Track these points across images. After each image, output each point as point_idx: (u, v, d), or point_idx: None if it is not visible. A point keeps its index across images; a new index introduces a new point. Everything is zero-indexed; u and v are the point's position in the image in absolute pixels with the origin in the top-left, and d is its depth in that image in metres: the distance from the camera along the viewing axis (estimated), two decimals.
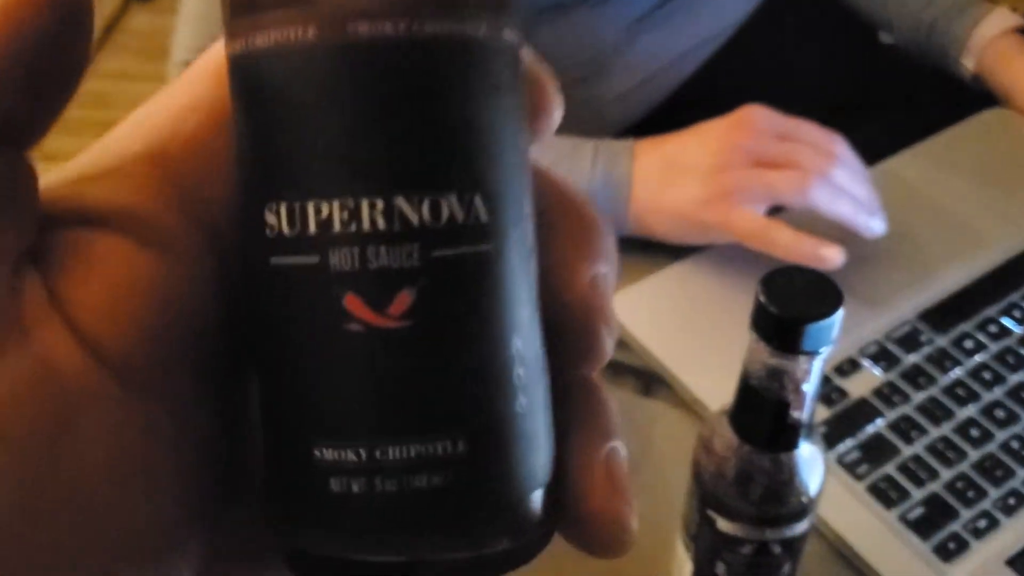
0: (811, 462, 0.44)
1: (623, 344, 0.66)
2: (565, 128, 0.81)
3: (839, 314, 0.38)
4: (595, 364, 0.20)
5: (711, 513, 0.45)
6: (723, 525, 0.45)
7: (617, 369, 0.69)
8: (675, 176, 0.68)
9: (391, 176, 0.17)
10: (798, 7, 0.91)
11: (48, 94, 0.17)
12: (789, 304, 0.39)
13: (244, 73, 0.18)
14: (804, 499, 0.44)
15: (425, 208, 0.17)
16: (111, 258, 0.17)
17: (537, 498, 0.19)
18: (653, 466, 0.60)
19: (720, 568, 0.47)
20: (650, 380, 0.65)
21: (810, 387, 0.41)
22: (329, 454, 0.18)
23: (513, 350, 0.18)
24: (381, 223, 0.17)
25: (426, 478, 0.18)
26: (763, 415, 0.42)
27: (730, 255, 0.68)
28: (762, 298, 0.39)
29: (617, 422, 0.20)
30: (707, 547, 0.47)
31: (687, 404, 0.62)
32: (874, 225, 0.66)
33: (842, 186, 0.66)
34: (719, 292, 0.67)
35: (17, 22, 0.16)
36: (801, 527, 0.45)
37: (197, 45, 0.72)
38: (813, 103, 0.83)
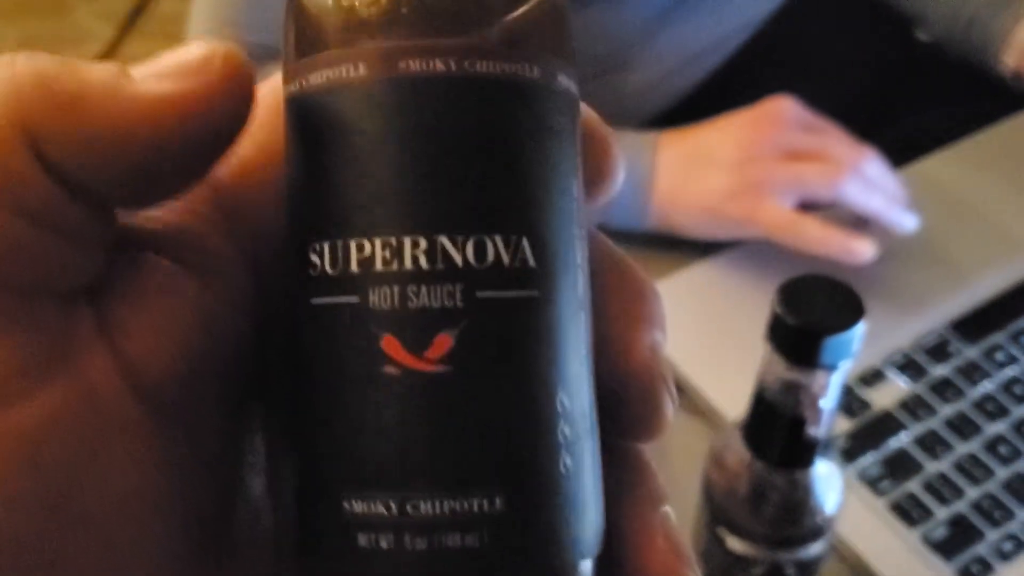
0: (828, 480, 0.41)
1: None
2: None
3: (860, 326, 0.36)
4: (657, 433, 0.20)
5: (721, 531, 0.43)
6: (734, 544, 0.43)
7: None
8: (700, 168, 0.66)
9: (435, 214, 0.17)
10: (829, 2, 0.88)
11: (194, 167, 0.18)
12: (807, 315, 0.36)
13: (296, 109, 0.18)
14: (820, 519, 0.42)
15: (469, 248, 0.17)
16: (161, 286, 0.18)
17: (586, 570, 0.18)
18: (665, 477, 0.57)
19: None
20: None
21: (828, 403, 0.38)
22: (358, 506, 0.17)
23: (559, 405, 0.17)
24: (423, 262, 0.17)
25: (459, 537, 0.16)
26: (778, 431, 0.40)
27: (755, 255, 0.66)
28: (778, 308, 0.36)
29: (664, 485, 0.20)
30: (716, 566, 0.45)
31: (704, 413, 0.59)
32: (907, 221, 0.64)
33: (874, 180, 0.63)
34: (741, 295, 0.64)
35: (185, 116, 0.16)
36: (816, 549, 0.43)
37: (210, 30, 0.71)
38: (843, 100, 0.80)
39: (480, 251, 0.17)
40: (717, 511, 0.43)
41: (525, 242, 0.17)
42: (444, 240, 0.17)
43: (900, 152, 0.75)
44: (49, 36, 2.11)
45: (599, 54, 0.81)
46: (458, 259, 0.17)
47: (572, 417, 0.17)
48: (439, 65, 0.17)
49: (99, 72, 0.16)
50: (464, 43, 0.17)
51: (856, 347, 0.37)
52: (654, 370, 0.19)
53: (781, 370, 0.38)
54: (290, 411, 0.18)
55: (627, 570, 0.19)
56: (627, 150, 0.67)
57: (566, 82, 0.19)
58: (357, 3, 0.17)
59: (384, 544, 0.16)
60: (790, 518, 0.41)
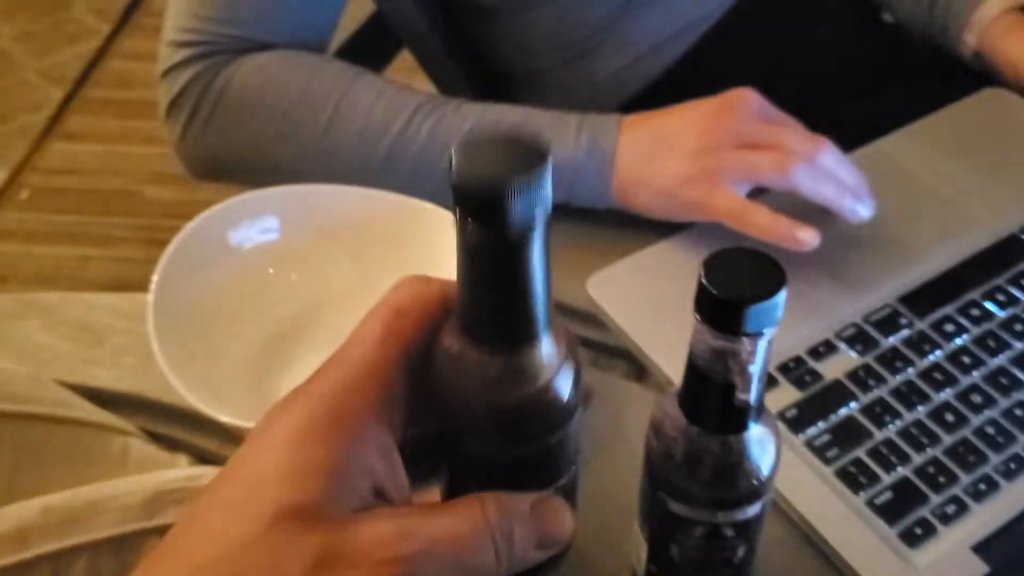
0: (762, 444, 0.43)
1: (604, 325, 0.66)
2: (555, 107, 0.81)
3: (782, 295, 0.38)
4: None
5: (662, 495, 0.45)
6: (674, 507, 0.45)
7: (605, 351, 0.69)
8: (661, 152, 0.68)
9: None
10: None
11: None
12: (730, 285, 0.38)
13: None
14: (755, 482, 0.44)
15: None
16: None
17: None
18: (624, 446, 0.59)
19: (674, 551, 0.47)
20: (630, 359, 0.65)
21: (756, 368, 0.40)
22: None
23: None
24: None
25: None
26: (710, 397, 0.42)
27: (712, 236, 0.68)
28: (703, 279, 0.38)
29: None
30: (660, 529, 0.47)
31: (660, 384, 0.61)
32: (860, 210, 0.66)
33: (827, 170, 0.65)
34: (696, 273, 0.66)
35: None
36: (754, 510, 0.45)
37: (185, 25, 0.73)
38: (810, 82, 0.82)
39: None
40: (657, 475, 0.45)
41: None
42: None
43: (863, 132, 0.77)
44: (46, 32, 2.13)
45: (568, 41, 0.83)
46: None
47: None
48: None
49: None
50: None
51: (780, 314, 0.39)
52: None
53: (709, 339, 0.40)
54: None
55: None
56: (591, 130, 0.69)
57: None
58: None
59: None
60: (726, 481, 0.43)
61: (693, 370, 0.41)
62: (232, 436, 0.61)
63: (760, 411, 0.43)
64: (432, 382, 0.36)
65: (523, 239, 0.32)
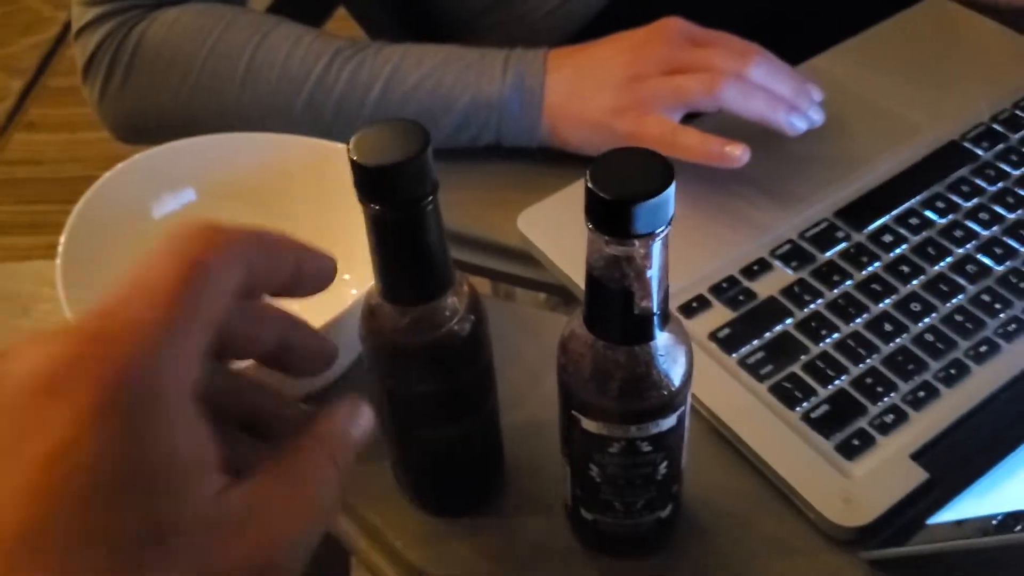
0: (670, 353, 0.42)
1: (534, 260, 0.64)
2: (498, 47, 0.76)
3: (671, 190, 0.36)
4: None
5: (575, 414, 0.44)
6: (587, 425, 0.43)
7: (538, 286, 0.67)
8: (588, 84, 0.66)
9: None
10: None
11: None
12: (616, 187, 0.36)
13: None
14: (666, 392, 0.42)
15: None
16: None
17: None
18: (555, 378, 0.58)
19: (594, 471, 0.45)
20: (570, 297, 0.63)
21: (654, 273, 0.39)
22: None
23: None
24: None
25: None
26: (611, 307, 0.40)
27: None
28: (589, 183, 0.37)
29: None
30: (579, 450, 0.45)
31: None
32: (796, 122, 0.64)
33: (758, 84, 0.63)
34: None
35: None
36: (668, 422, 0.43)
37: None
38: (752, 3, 0.80)
39: None
40: (569, 394, 0.44)
41: None
42: None
43: (806, 51, 0.75)
44: (0, 23, 2.11)
45: None
46: None
47: None
48: None
49: None
50: None
51: (671, 212, 0.37)
52: None
53: (603, 246, 0.38)
54: None
55: None
56: (518, 66, 0.67)
57: None
58: None
59: None
60: (635, 393, 0.42)
61: (592, 282, 0.40)
62: None
63: (665, 319, 0.41)
64: (361, 331, 0.44)
65: (412, 215, 0.39)
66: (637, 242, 0.37)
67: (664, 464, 0.45)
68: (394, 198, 0.38)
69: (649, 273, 0.39)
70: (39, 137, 1.84)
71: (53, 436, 0.24)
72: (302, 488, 0.29)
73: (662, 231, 0.37)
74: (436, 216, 0.40)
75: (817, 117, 0.65)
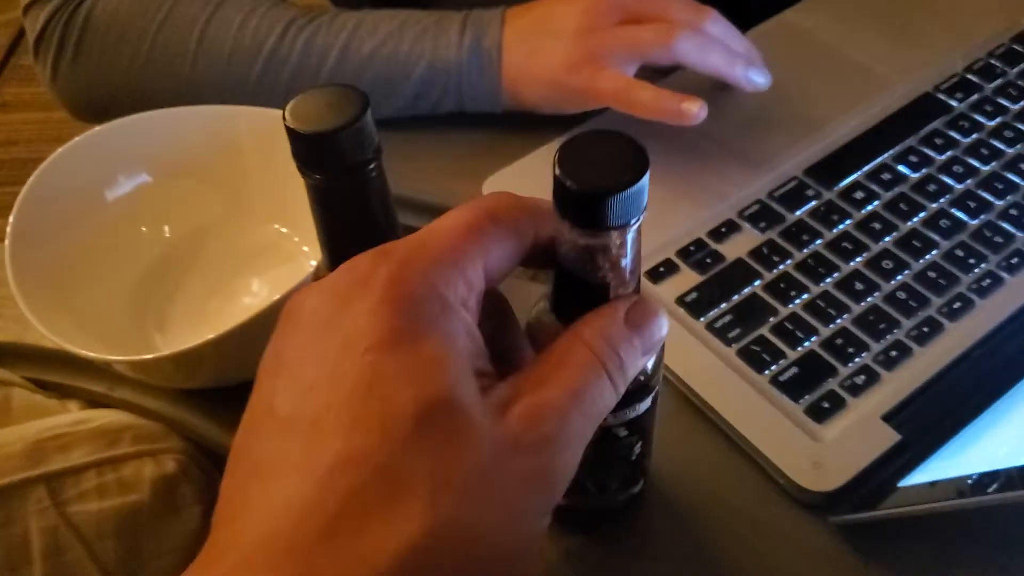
0: None
1: None
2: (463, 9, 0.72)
3: (645, 179, 0.34)
4: None
5: None
6: None
7: None
8: (543, 41, 0.64)
9: None
10: None
11: None
12: (588, 177, 0.34)
13: None
14: (642, 377, 0.40)
15: None
16: None
17: None
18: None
19: None
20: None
21: (628, 261, 0.36)
22: None
23: None
24: None
25: None
26: (582, 297, 0.38)
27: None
28: (558, 173, 0.34)
29: None
30: None
31: None
32: (754, 77, 0.62)
33: (714, 38, 0.61)
34: None
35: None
36: (644, 406, 0.41)
37: None
38: None
39: None
40: None
41: None
42: None
43: (774, 7, 0.73)
44: None
45: None
46: None
47: None
48: None
49: None
50: None
51: (645, 200, 0.35)
52: None
53: (575, 238, 0.35)
54: None
55: None
56: (475, 27, 0.65)
57: None
58: None
59: None
60: None
61: (563, 273, 0.37)
62: (120, 377, 0.58)
63: None
64: None
65: (354, 183, 0.37)
66: (613, 233, 0.35)
67: (639, 444, 0.44)
68: (334, 166, 0.36)
69: (624, 262, 0.36)
70: (14, 117, 1.81)
71: (353, 326, 0.28)
72: (569, 384, 0.31)
73: (637, 220, 0.35)
74: (380, 183, 0.38)
75: (768, 78, 0.63)
